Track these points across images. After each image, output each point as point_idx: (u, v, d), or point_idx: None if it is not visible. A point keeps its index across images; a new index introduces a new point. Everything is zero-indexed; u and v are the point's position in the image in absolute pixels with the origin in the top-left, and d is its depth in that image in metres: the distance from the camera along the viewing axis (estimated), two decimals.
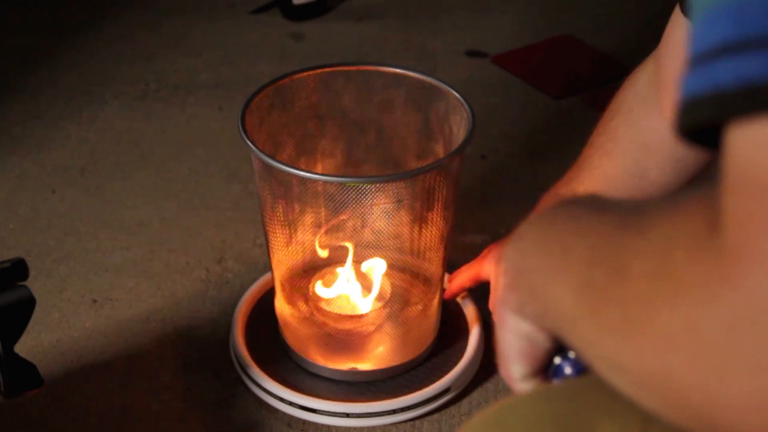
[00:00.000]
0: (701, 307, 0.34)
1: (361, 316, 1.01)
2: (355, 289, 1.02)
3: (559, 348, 0.52)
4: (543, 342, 0.51)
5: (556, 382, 0.53)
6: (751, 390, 0.33)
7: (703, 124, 0.34)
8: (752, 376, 0.33)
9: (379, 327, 1.01)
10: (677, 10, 0.81)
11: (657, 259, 0.37)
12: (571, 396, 0.47)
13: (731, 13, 0.34)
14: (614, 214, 0.44)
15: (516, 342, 0.52)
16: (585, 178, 0.91)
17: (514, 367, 0.53)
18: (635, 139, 0.88)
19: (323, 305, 1.02)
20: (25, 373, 0.76)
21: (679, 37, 0.80)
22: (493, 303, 1.02)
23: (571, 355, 0.52)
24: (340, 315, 1.01)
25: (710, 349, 0.34)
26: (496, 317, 0.53)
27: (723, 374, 0.33)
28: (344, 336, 1.01)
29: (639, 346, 0.37)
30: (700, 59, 0.35)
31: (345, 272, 1.03)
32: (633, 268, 0.38)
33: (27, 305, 0.75)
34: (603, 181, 0.89)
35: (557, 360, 0.53)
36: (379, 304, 1.01)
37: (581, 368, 0.52)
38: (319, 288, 1.03)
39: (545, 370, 0.53)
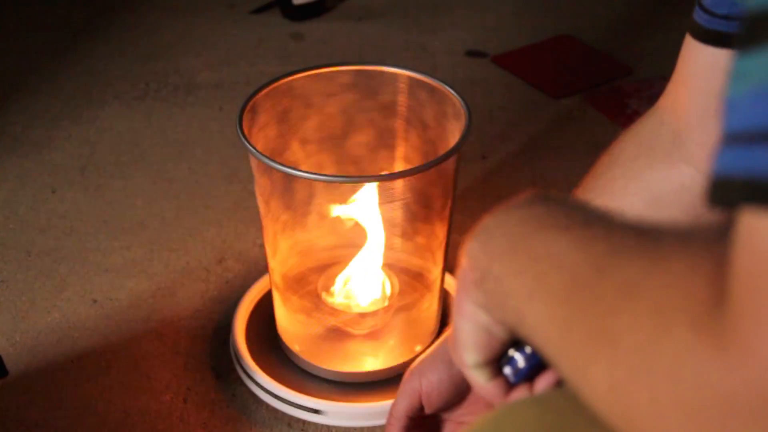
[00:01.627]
0: (699, 392, 0.33)
1: (360, 316, 1.01)
2: (354, 289, 1.02)
3: (515, 341, 0.52)
4: (500, 334, 0.51)
5: (507, 371, 0.53)
6: None
7: (731, 204, 0.33)
8: None
9: (379, 327, 1.01)
10: (689, 43, 0.70)
11: (652, 332, 0.35)
12: (566, 409, 0.47)
13: None
14: (586, 239, 0.42)
15: (473, 331, 0.52)
16: None
17: (468, 354, 0.53)
18: (637, 192, 0.75)
19: (322, 305, 1.02)
20: None
21: (701, 69, 0.69)
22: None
23: (527, 349, 0.53)
24: (339, 315, 1.01)
25: (704, 430, 0.33)
26: (455, 302, 0.53)
27: None
28: (344, 336, 1.01)
29: (625, 409, 0.36)
30: (737, 137, 0.33)
31: (343, 272, 1.03)
32: (623, 337, 0.37)
33: None
34: None
35: (511, 351, 0.53)
36: (379, 305, 1.01)
37: (535, 362, 0.53)
38: (317, 288, 1.03)
39: (498, 359, 0.53)
